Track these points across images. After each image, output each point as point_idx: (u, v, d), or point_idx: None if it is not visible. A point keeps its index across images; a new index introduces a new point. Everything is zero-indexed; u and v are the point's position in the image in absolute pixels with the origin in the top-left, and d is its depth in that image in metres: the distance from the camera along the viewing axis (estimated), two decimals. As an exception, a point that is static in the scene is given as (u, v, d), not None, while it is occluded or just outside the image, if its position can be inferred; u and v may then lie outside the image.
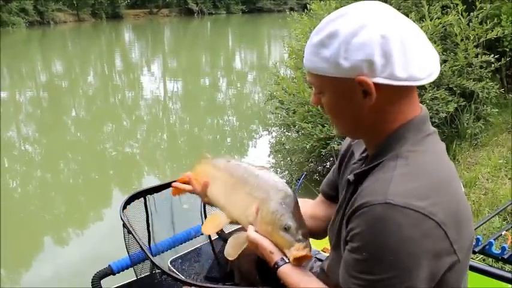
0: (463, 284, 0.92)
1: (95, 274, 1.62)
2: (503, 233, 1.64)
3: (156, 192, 1.55)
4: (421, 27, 4.08)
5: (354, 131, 0.98)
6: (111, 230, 3.63)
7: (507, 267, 1.62)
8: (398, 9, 4.87)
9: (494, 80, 4.68)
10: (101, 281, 1.61)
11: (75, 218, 4.82)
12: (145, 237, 1.54)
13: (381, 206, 0.81)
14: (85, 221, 4.74)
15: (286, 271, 1.04)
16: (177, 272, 1.77)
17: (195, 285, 1.20)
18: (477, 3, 4.19)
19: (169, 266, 1.83)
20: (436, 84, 4.13)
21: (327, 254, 1.27)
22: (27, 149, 7.53)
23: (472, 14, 4.21)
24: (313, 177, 4.69)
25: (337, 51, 0.85)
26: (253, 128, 8.34)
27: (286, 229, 1.05)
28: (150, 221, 1.55)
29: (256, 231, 1.10)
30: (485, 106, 4.54)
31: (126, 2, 39.33)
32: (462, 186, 0.95)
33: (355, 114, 0.91)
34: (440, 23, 4.18)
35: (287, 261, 1.05)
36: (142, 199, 1.52)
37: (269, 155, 5.84)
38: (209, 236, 1.76)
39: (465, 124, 4.41)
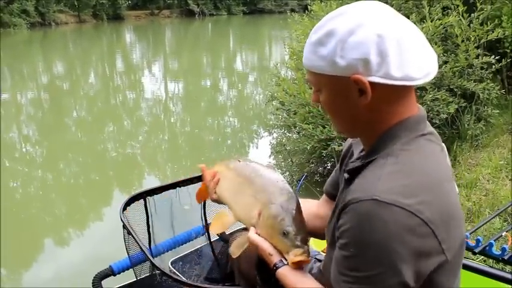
0: (456, 285, 0.92)
1: (96, 275, 1.62)
2: (503, 234, 1.64)
3: (156, 193, 1.55)
4: (422, 29, 4.11)
5: (350, 129, 0.99)
6: (111, 230, 3.63)
7: (507, 268, 1.62)
8: (399, 10, 4.87)
9: (495, 81, 4.67)
10: (102, 282, 1.61)
11: (76, 219, 4.82)
12: (146, 239, 1.55)
13: (367, 203, 0.82)
14: (86, 221, 4.75)
15: (284, 272, 1.05)
16: (177, 273, 1.77)
17: (194, 286, 1.21)
18: (478, 4, 4.18)
19: (170, 267, 1.83)
20: (437, 85, 4.13)
21: (327, 255, 1.27)
22: (28, 149, 7.54)
23: (472, 15, 4.21)
24: (313, 178, 4.69)
25: (334, 49, 0.86)
26: (254, 129, 8.34)
27: (285, 234, 1.07)
28: (150, 222, 1.55)
29: (258, 233, 1.12)
30: (486, 107, 4.54)
31: (127, 3, 39.36)
32: (456, 188, 0.95)
33: (351, 113, 0.92)
34: (441, 24, 4.18)
35: (285, 263, 1.06)
36: (142, 200, 1.53)
37: (270, 156, 5.84)
38: (209, 238, 1.77)
39: (466, 125, 4.41)
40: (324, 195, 1.31)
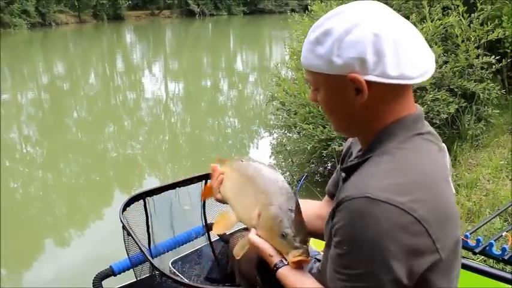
0: (452, 285, 0.92)
1: (96, 275, 1.62)
2: (503, 234, 1.64)
3: (156, 194, 1.55)
4: (422, 29, 4.11)
5: (347, 127, 0.99)
6: (112, 231, 3.62)
7: (508, 268, 1.62)
8: (399, 11, 4.88)
9: (495, 81, 4.67)
10: (102, 282, 1.61)
11: (77, 219, 4.83)
12: (145, 239, 1.55)
13: (360, 200, 0.81)
14: (86, 222, 4.75)
15: (285, 273, 1.05)
16: (178, 273, 1.77)
17: (193, 286, 1.21)
18: (478, 4, 4.18)
19: (170, 267, 1.83)
20: (437, 85, 4.14)
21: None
22: (29, 150, 7.54)
23: (473, 15, 4.21)
24: (314, 179, 4.69)
25: (331, 48, 0.86)
26: (254, 129, 8.34)
27: (284, 236, 1.07)
28: (149, 223, 1.55)
29: (259, 234, 1.12)
30: (486, 107, 4.54)
31: (127, 3, 39.38)
32: (453, 188, 0.94)
33: (348, 112, 0.92)
34: (441, 24, 4.18)
35: (286, 263, 1.07)
36: (142, 201, 1.53)
37: (270, 156, 5.83)
38: (209, 238, 1.77)
39: (466, 125, 4.41)
40: (326, 196, 1.31)
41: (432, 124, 4.05)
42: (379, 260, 0.80)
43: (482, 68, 4.32)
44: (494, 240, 1.45)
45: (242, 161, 1.31)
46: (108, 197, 5.44)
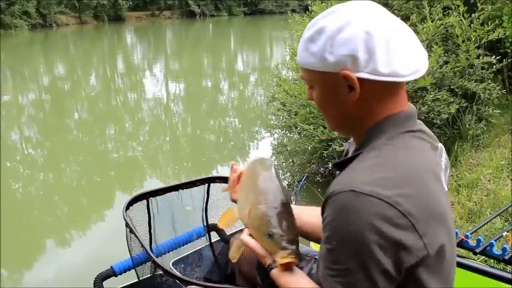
0: (449, 284, 0.92)
1: (97, 275, 1.62)
2: (504, 234, 1.64)
3: (159, 194, 1.56)
4: (423, 29, 4.12)
5: (341, 125, 1.01)
6: (113, 231, 3.63)
7: (508, 268, 1.62)
8: (400, 11, 4.86)
9: (495, 81, 4.67)
10: (103, 283, 1.61)
11: (78, 220, 4.83)
12: (147, 240, 1.55)
13: (345, 194, 0.82)
14: (87, 222, 4.75)
15: (278, 273, 1.05)
16: (179, 274, 1.78)
17: (197, 284, 1.21)
18: (478, 4, 4.18)
19: (172, 267, 1.83)
20: (438, 85, 4.14)
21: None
22: (30, 151, 7.55)
23: (473, 15, 4.20)
24: (315, 179, 4.70)
25: (324, 46, 0.88)
26: (255, 129, 8.34)
27: (271, 235, 1.06)
28: (152, 223, 1.56)
29: (251, 234, 1.12)
30: (487, 107, 4.54)
31: (128, 4, 39.38)
32: (445, 188, 0.94)
33: (341, 109, 0.94)
34: (442, 24, 4.18)
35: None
36: (145, 201, 1.53)
37: (271, 157, 5.84)
38: (209, 239, 1.77)
39: (467, 125, 4.41)
40: None
41: (433, 124, 4.07)
42: (366, 252, 0.79)
43: (482, 68, 4.32)
44: (495, 240, 1.45)
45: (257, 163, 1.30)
46: (109, 197, 5.44)
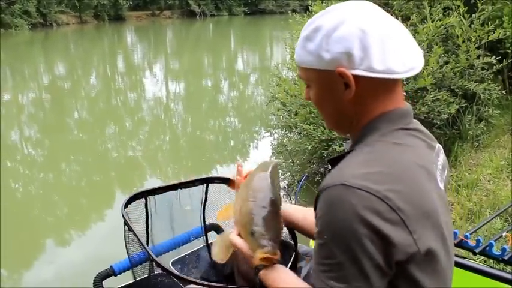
0: (446, 284, 0.92)
1: (97, 275, 1.62)
2: (503, 234, 1.64)
3: (158, 193, 1.55)
4: (423, 29, 4.12)
5: (338, 123, 1.01)
6: (112, 231, 3.63)
7: (508, 268, 1.62)
8: (400, 11, 4.84)
9: (496, 82, 4.67)
10: (103, 282, 1.61)
11: (77, 219, 4.84)
12: (144, 239, 1.55)
13: (336, 188, 0.82)
14: (87, 222, 4.76)
15: (266, 272, 1.03)
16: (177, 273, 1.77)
17: (197, 283, 1.21)
18: (479, 4, 4.19)
19: (171, 267, 1.83)
20: (438, 85, 4.14)
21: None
22: (30, 150, 7.55)
23: (473, 15, 4.21)
24: (315, 179, 4.70)
25: (320, 44, 0.90)
26: (255, 129, 8.35)
27: (252, 233, 1.05)
28: (149, 222, 1.55)
29: (239, 234, 1.11)
30: (487, 108, 4.54)
31: (128, 4, 39.40)
32: (440, 185, 0.93)
33: (338, 107, 0.95)
34: (442, 25, 4.18)
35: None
36: (143, 200, 1.53)
37: (271, 157, 5.83)
38: (206, 240, 1.77)
39: (467, 125, 4.41)
40: None
41: (433, 124, 4.07)
42: (357, 246, 0.79)
43: (483, 69, 4.32)
44: (495, 241, 1.45)
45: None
46: (108, 197, 5.44)
